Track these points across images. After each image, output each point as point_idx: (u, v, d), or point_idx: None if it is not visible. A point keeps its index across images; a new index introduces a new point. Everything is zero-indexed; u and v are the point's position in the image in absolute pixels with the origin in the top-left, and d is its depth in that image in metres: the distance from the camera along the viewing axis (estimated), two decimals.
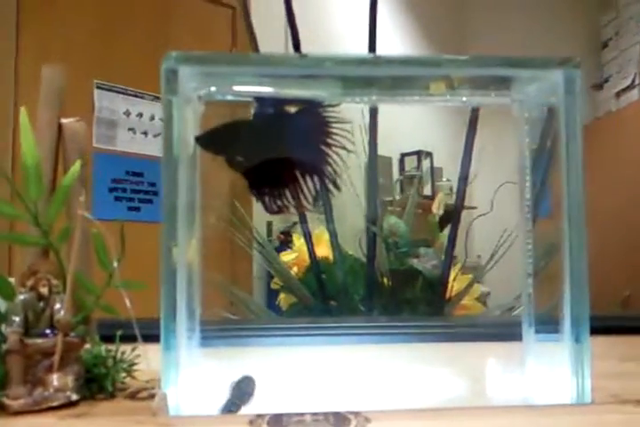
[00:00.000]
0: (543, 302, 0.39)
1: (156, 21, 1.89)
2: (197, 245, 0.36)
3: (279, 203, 0.43)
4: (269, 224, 1.96)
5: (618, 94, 2.83)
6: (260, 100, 0.40)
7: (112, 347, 0.38)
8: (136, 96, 1.87)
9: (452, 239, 0.73)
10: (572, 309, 0.35)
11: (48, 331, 0.35)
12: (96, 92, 1.79)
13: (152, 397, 0.34)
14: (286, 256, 0.81)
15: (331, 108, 0.42)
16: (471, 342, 0.56)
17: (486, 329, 0.59)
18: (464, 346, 0.56)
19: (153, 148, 1.89)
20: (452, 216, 0.78)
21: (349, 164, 0.43)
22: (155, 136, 1.91)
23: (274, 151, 0.42)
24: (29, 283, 0.35)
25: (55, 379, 0.34)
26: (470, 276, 0.76)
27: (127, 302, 0.35)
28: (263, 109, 0.40)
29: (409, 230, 0.76)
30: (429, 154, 2.59)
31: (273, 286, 0.81)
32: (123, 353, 0.38)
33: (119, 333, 0.38)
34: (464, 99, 0.42)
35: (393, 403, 0.34)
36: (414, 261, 0.71)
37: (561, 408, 0.34)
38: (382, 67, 0.39)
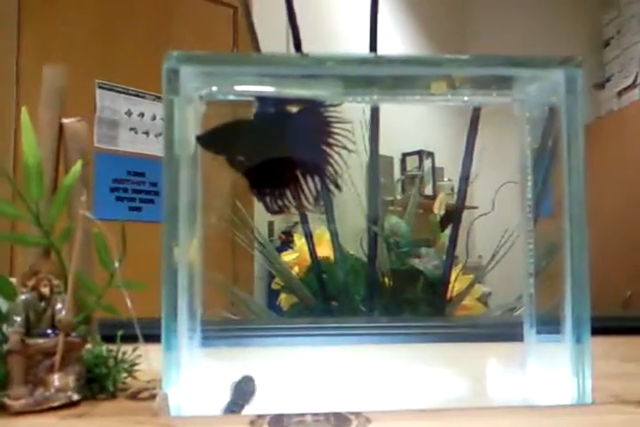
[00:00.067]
0: (544, 302, 0.39)
1: (158, 21, 1.89)
2: (198, 244, 0.36)
3: (280, 203, 0.43)
4: (271, 224, 1.96)
5: (620, 93, 2.83)
6: (262, 99, 0.40)
7: (113, 347, 0.38)
8: (137, 96, 1.87)
9: (454, 239, 0.73)
10: (573, 309, 0.35)
11: (49, 331, 0.35)
12: (97, 91, 1.79)
13: (153, 397, 0.34)
14: (287, 256, 0.81)
15: (332, 108, 0.42)
16: (472, 342, 0.56)
17: (487, 330, 0.59)
18: (465, 346, 0.56)
19: (154, 147, 1.89)
20: (453, 216, 0.78)
21: (350, 163, 0.43)
22: (156, 136, 1.91)
23: (275, 151, 0.42)
24: (31, 283, 0.35)
25: (56, 379, 0.34)
26: (471, 276, 0.76)
27: (128, 302, 0.35)
28: (264, 109, 0.40)
29: (410, 230, 0.76)
30: (431, 154, 2.58)
31: (274, 286, 0.81)
32: (124, 353, 0.38)
33: (120, 333, 0.38)
34: (465, 98, 0.42)
35: (393, 403, 0.34)
36: (415, 262, 0.71)
37: (562, 409, 0.34)
38: (383, 66, 0.39)
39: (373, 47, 0.80)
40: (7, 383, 0.33)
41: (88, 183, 0.43)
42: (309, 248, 0.76)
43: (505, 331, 0.44)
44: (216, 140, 0.40)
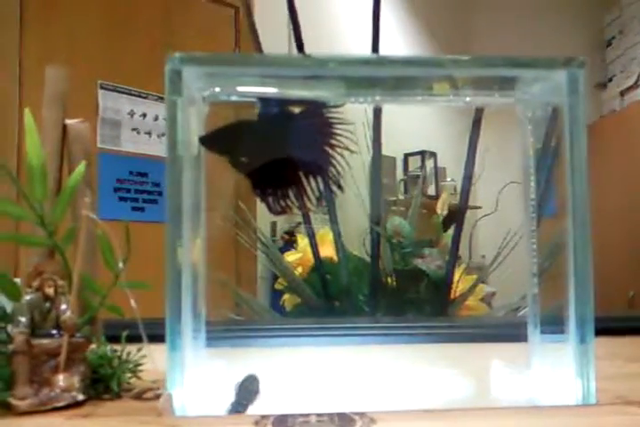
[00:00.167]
0: (548, 302, 0.39)
1: (160, 21, 1.89)
2: (202, 245, 0.36)
3: (283, 203, 0.43)
4: (273, 224, 1.96)
5: (622, 93, 2.82)
6: (264, 100, 0.40)
7: (118, 347, 0.38)
8: (140, 96, 1.87)
9: (457, 239, 0.73)
10: (577, 309, 0.35)
11: (54, 331, 0.35)
12: (100, 92, 1.79)
13: (158, 397, 0.35)
14: (290, 256, 0.81)
15: (334, 109, 0.42)
16: (476, 342, 0.56)
17: (491, 330, 0.59)
18: (469, 347, 0.56)
19: (157, 148, 1.89)
20: (456, 216, 0.77)
21: (353, 164, 0.43)
22: (159, 136, 1.91)
23: (278, 152, 0.42)
24: (35, 284, 0.35)
25: (61, 379, 0.34)
26: (475, 276, 0.76)
27: (132, 303, 0.35)
28: (267, 110, 0.40)
29: (413, 230, 0.76)
30: (433, 154, 2.58)
31: (277, 286, 0.81)
32: (128, 354, 0.38)
33: (125, 333, 0.39)
34: (468, 99, 0.42)
35: (397, 404, 0.34)
36: (419, 262, 0.71)
37: (566, 409, 0.34)
38: (386, 67, 0.39)
39: (376, 48, 0.80)
40: (12, 383, 0.33)
41: (92, 184, 0.43)
42: (312, 248, 0.76)
43: (509, 331, 0.44)
44: (219, 140, 0.40)
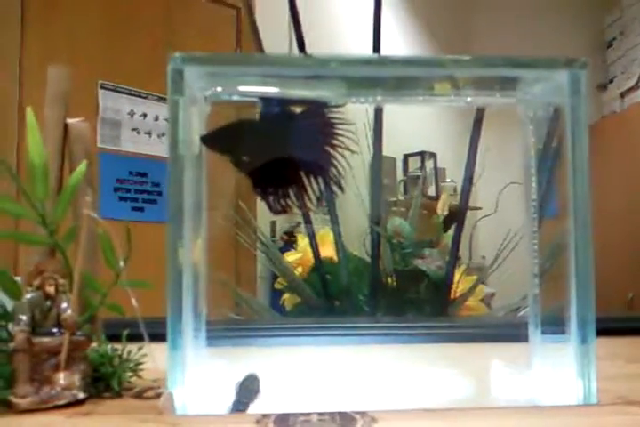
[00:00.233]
0: (549, 302, 0.39)
1: (160, 21, 1.89)
2: (203, 244, 0.36)
3: (283, 203, 0.43)
4: (273, 225, 1.96)
5: (622, 95, 2.82)
6: (266, 100, 0.40)
7: (118, 346, 0.38)
8: (140, 96, 1.87)
9: (457, 240, 0.73)
10: (579, 309, 0.35)
11: (55, 330, 0.35)
12: (100, 92, 1.79)
13: (158, 396, 0.35)
14: (291, 256, 0.81)
15: (336, 109, 0.42)
16: (477, 342, 0.56)
17: (492, 330, 0.59)
18: (470, 347, 0.56)
19: (157, 148, 1.89)
20: (456, 217, 0.78)
21: (353, 164, 0.43)
22: (159, 136, 1.91)
23: (279, 151, 0.42)
24: (36, 282, 0.35)
25: (62, 377, 0.34)
26: (475, 277, 0.76)
27: (134, 302, 0.35)
28: (269, 109, 0.40)
29: (413, 231, 0.76)
30: (433, 155, 2.58)
31: (277, 286, 0.81)
32: (129, 352, 0.38)
33: (125, 332, 0.39)
34: (469, 99, 0.42)
35: (397, 403, 0.34)
36: (419, 262, 0.71)
37: (567, 409, 0.34)
38: (387, 67, 0.39)
39: (377, 48, 0.80)
40: (13, 382, 0.33)
41: (93, 183, 0.43)
42: (313, 248, 0.76)
43: (509, 331, 0.44)
44: (220, 140, 0.40)
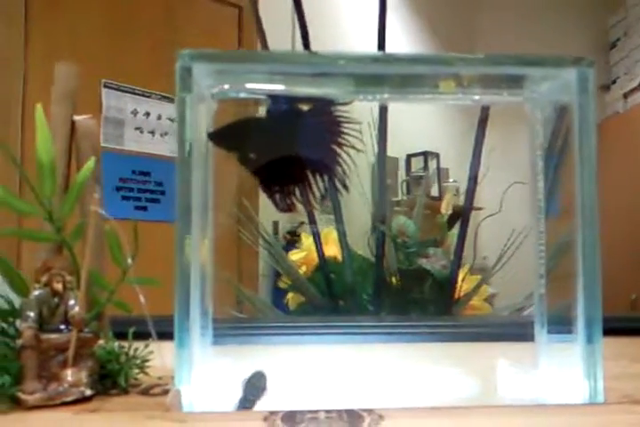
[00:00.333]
0: (554, 302, 0.39)
1: (163, 20, 1.90)
2: (210, 244, 0.36)
3: (289, 201, 0.43)
4: (275, 224, 1.96)
5: (625, 95, 2.82)
6: (274, 97, 0.40)
7: (125, 344, 0.39)
8: (143, 95, 1.88)
9: (462, 239, 0.73)
10: (586, 309, 0.35)
11: (62, 327, 0.35)
12: (103, 91, 1.79)
13: (165, 393, 0.35)
14: (295, 255, 0.81)
15: (342, 107, 0.42)
16: (482, 342, 0.56)
17: (497, 329, 0.59)
18: (475, 346, 0.56)
19: (160, 147, 1.89)
20: (459, 217, 0.77)
21: (358, 163, 0.43)
22: (162, 135, 1.92)
23: (285, 149, 0.42)
24: (44, 279, 0.36)
25: (69, 374, 0.34)
26: (479, 276, 0.76)
27: (141, 299, 0.35)
28: (276, 107, 0.40)
29: (418, 230, 0.76)
30: (436, 155, 2.58)
31: (281, 284, 0.81)
32: (136, 350, 0.38)
33: (132, 330, 0.39)
34: (476, 97, 0.42)
35: (402, 402, 0.34)
36: (423, 261, 0.71)
37: (573, 408, 0.34)
38: (394, 65, 0.39)
39: (382, 46, 0.80)
40: (21, 378, 0.33)
41: (100, 180, 0.43)
42: (317, 247, 0.76)
43: (515, 331, 0.44)
44: (227, 137, 0.40)
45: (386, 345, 0.59)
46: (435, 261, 0.72)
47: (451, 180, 2.50)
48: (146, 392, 0.36)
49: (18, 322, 0.35)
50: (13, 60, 1.60)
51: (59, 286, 0.35)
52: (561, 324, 0.37)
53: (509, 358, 0.48)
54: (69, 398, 0.33)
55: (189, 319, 0.34)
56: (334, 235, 0.76)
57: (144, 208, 1.83)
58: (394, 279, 0.74)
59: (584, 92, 0.36)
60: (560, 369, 0.38)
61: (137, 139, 1.87)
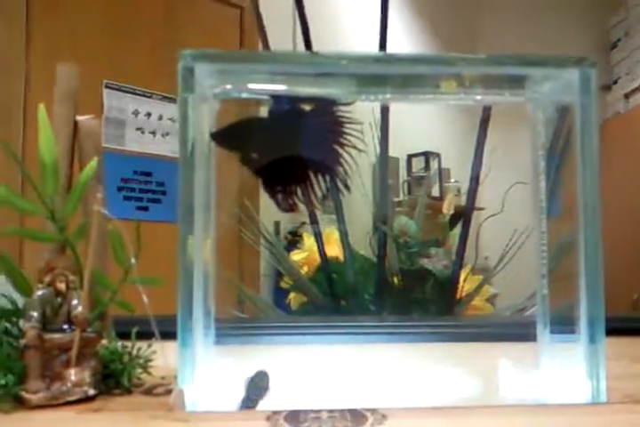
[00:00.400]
0: (556, 302, 0.39)
1: (165, 21, 1.90)
2: (212, 243, 0.36)
3: (291, 201, 0.43)
4: (277, 224, 1.96)
5: (626, 96, 2.82)
6: (276, 97, 0.40)
7: (128, 343, 0.39)
8: (144, 96, 1.88)
9: (464, 239, 0.73)
10: (588, 309, 0.35)
11: (65, 326, 0.35)
12: (105, 91, 1.79)
13: (168, 393, 0.35)
14: (297, 255, 0.81)
15: (344, 107, 0.42)
16: (484, 342, 0.56)
17: (499, 329, 0.59)
18: (477, 346, 0.56)
19: (161, 147, 1.89)
20: (460, 217, 0.78)
21: (360, 163, 0.43)
22: (163, 136, 1.92)
23: (287, 149, 0.42)
24: (47, 279, 0.36)
25: (73, 374, 0.34)
26: (481, 277, 0.76)
27: (145, 298, 0.35)
28: (279, 107, 0.40)
29: (419, 230, 0.76)
30: (437, 155, 2.58)
31: (283, 284, 0.81)
32: (139, 349, 0.38)
33: (135, 329, 0.39)
34: (478, 97, 0.42)
35: (403, 401, 0.34)
36: (425, 261, 0.71)
37: (576, 408, 0.34)
38: (397, 65, 0.39)
39: (383, 46, 0.80)
40: (24, 378, 0.33)
41: (102, 180, 0.43)
42: (319, 247, 0.76)
43: (517, 331, 0.44)
44: (230, 136, 0.40)
45: (388, 345, 0.59)
46: (436, 262, 0.72)
47: (452, 180, 2.50)
48: (149, 392, 0.36)
49: (21, 322, 0.35)
50: (14, 61, 1.60)
51: (62, 286, 0.36)
52: (563, 324, 0.37)
53: (511, 358, 0.48)
54: (73, 398, 0.33)
55: (192, 319, 0.34)
56: (336, 235, 0.76)
57: (145, 208, 1.84)
58: (395, 279, 0.74)
59: (586, 92, 0.36)
60: (562, 369, 0.38)
61: (138, 139, 1.87)
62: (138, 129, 1.87)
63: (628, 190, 2.45)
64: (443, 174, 2.53)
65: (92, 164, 0.39)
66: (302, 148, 0.42)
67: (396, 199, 1.82)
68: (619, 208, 2.32)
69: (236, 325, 0.59)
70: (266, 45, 0.84)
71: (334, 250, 0.78)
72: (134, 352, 0.38)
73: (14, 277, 0.37)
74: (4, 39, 1.59)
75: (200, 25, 1.94)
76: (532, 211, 0.40)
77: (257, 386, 0.36)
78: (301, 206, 0.44)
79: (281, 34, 1.30)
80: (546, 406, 0.35)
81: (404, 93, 0.43)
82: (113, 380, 0.37)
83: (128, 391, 0.36)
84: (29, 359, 0.33)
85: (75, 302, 0.35)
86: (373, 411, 0.30)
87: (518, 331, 0.44)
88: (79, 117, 0.44)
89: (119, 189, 1.79)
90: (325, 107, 0.42)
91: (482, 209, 0.93)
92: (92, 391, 0.34)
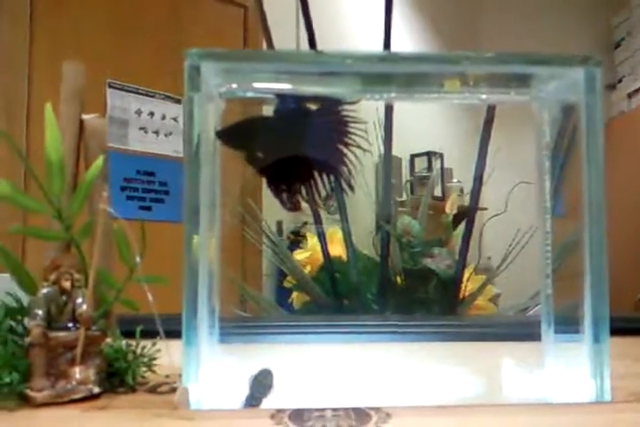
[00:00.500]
0: (559, 301, 0.39)
1: (168, 20, 1.90)
2: (217, 242, 0.37)
3: (295, 200, 0.43)
4: (279, 224, 1.96)
5: (630, 95, 2.81)
6: (282, 97, 0.40)
7: (133, 342, 0.39)
8: (147, 95, 1.88)
9: (467, 239, 0.73)
10: (593, 308, 0.35)
11: (70, 325, 0.35)
12: (108, 90, 1.80)
13: (172, 391, 0.35)
14: (300, 255, 0.81)
15: (350, 107, 0.42)
16: (487, 341, 0.56)
17: (503, 329, 0.59)
18: (480, 345, 0.56)
19: (164, 147, 1.89)
20: (463, 217, 0.77)
21: (363, 163, 0.43)
22: (166, 135, 1.92)
23: (292, 148, 0.42)
24: (52, 277, 0.36)
25: (77, 372, 0.34)
26: (484, 276, 0.76)
27: (149, 297, 0.35)
28: (284, 106, 0.41)
29: (422, 230, 0.76)
30: (440, 155, 2.58)
31: (286, 284, 0.81)
32: (143, 348, 0.38)
33: (140, 328, 0.39)
34: (483, 96, 0.42)
35: (407, 400, 0.34)
36: (428, 261, 0.71)
37: (580, 407, 0.34)
38: (402, 64, 0.39)
39: (387, 45, 0.80)
40: (29, 376, 0.33)
41: (108, 179, 0.43)
42: (322, 247, 0.76)
43: (522, 330, 0.44)
44: (235, 135, 0.40)
45: (391, 344, 0.59)
46: (439, 261, 0.72)
47: (454, 180, 2.49)
48: (153, 390, 0.36)
49: (26, 320, 0.36)
50: (18, 60, 1.60)
51: (67, 285, 0.36)
52: (568, 323, 0.37)
53: (515, 358, 0.48)
54: (77, 396, 0.34)
55: (197, 318, 0.34)
56: (339, 234, 0.76)
57: (148, 208, 1.84)
58: (399, 279, 0.74)
59: (591, 91, 0.36)
60: (567, 368, 0.37)
61: (141, 139, 1.87)
62: (141, 129, 1.87)
63: (632, 189, 2.44)
64: (445, 174, 2.52)
65: (98, 162, 0.39)
66: (307, 147, 0.43)
67: (399, 199, 1.82)
68: (623, 207, 2.32)
69: (241, 324, 0.59)
70: (270, 45, 0.84)
71: (337, 249, 0.78)
72: (139, 351, 0.38)
73: (19, 276, 0.37)
74: (7, 38, 1.59)
75: (204, 24, 1.94)
76: (536, 210, 0.40)
77: (261, 384, 0.36)
78: (305, 206, 0.44)
79: (285, 33, 1.30)
80: (550, 405, 0.35)
81: (409, 92, 0.43)
82: (117, 378, 0.37)
83: (132, 390, 0.36)
84: (34, 357, 0.33)
85: (80, 300, 0.36)
86: (377, 410, 0.31)
87: (522, 330, 0.44)
88: (85, 116, 0.44)
89: (122, 188, 1.80)
90: (330, 106, 0.42)
91: (485, 209, 0.93)
92: (96, 389, 0.34)
